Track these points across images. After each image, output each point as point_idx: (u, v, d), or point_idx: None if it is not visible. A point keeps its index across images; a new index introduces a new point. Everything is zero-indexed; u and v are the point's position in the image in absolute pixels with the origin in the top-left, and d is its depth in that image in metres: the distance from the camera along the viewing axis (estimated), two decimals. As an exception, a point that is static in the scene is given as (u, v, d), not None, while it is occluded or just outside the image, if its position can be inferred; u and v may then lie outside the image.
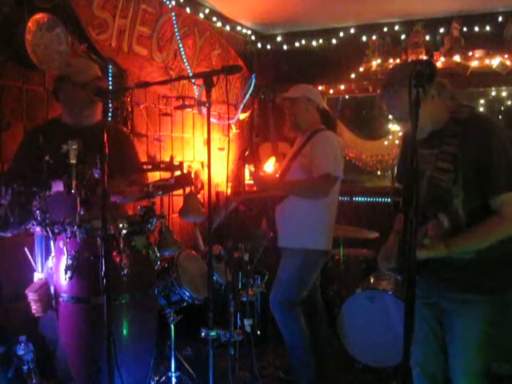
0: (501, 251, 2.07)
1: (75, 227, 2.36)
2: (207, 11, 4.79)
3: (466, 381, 2.16)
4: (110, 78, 3.71)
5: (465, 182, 2.05)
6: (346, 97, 5.70)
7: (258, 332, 3.36)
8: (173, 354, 3.05)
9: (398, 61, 5.17)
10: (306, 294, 3.44)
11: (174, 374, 3.05)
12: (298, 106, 3.42)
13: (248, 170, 5.30)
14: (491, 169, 2.03)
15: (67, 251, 2.39)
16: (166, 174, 2.78)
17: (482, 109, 5.13)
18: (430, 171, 2.14)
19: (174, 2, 4.23)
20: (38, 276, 2.71)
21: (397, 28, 5.26)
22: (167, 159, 3.03)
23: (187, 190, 2.95)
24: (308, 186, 3.33)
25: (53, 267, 2.55)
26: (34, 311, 2.59)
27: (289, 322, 3.41)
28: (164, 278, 2.96)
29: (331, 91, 5.54)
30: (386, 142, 5.44)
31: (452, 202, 2.05)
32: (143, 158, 3.96)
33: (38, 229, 2.45)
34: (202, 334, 2.25)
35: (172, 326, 3.04)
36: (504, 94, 5.11)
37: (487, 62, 4.84)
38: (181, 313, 3.09)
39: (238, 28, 5.41)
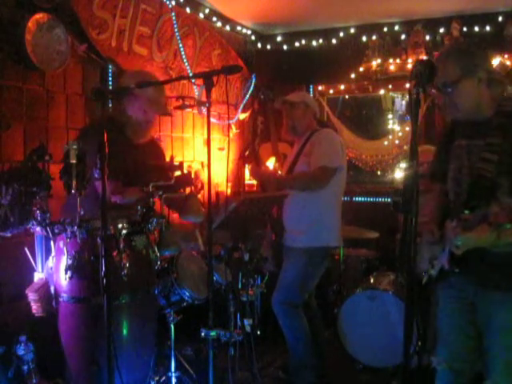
0: None
1: (75, 227, 2.36)
2: (207, 11, 4.79)
3: (507, 378, 2.15)
4: (110, 78, 3.71)
5: (510, 174, 2.03)
6: (346, 97, 5.70)
7: (258, 332, 3.35)
8: (173, 354, 3.05)
9: (397, 61, 5.17)
10: (307, 295, 3.44)
11: (173, 374, 3.05)
12: (297, 110, 3.50)
13: (247, 167, 5.30)
14: None
15: (67, 251, 2.39)
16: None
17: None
18: (471, 162, 2.13)
19: (173, 2, 4.23)
20: (38, 276, 2.71)
21: (397, 28, 5.25)
22: (167, 159, 3.03)
23: (187, 190, 2.95)
24: (305, 178, 3.39)
25: (53, 267, 2.55)
26: (34, 311, 2.60)
27: (291, 323, 3.41)
28: (164, 277, 2.95)
29: (331, 91, 5.54)
30: (385, 142, 5.43)
31: (496, 194, 2.01)
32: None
33: (38, 229, 2.45)
34: (202, 334, 2.25)
35: (172, 326, 3.04)
36: (504, 93, 5.10)
37: (487, 61, 4.83)
38: (181, 313, 3.09)
39: (238, 28, 5.41)
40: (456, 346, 2.30)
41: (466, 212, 2.03)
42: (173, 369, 3.05)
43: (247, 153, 5.44)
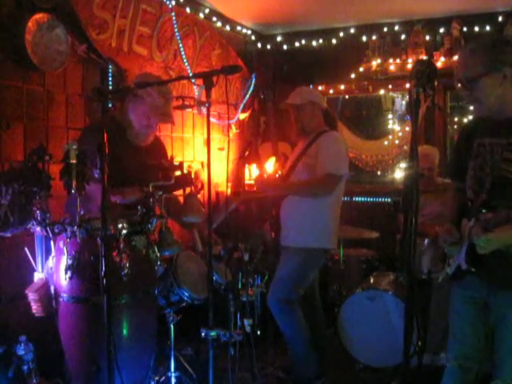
0: None
1: (75, 227, 2.36)
2: (207, 11, 4.79)
3: None
4: (110, 78, 3.71)
5: None
6: (346, 97, 5.70)
7: (258, 332, 3.36)
8: (172, 353, 3.05)
9: (397, 61, 5.18)
10: (303, 291, 3.45)
11: (173, 374, 3.05)
12: (304, 111, 3.44)
13: (248, 171, 5.31)
14: None
15: (67, 251, 2.39)
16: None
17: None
18: (493, 161, 2.11)
19: (173, 2, 4.23)
20: (38, 276, 2.71)
21: (397, 28, 5.26)
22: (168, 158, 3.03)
23: (187, 190, 2.95)
24: (310, 185, 3.36)
25: (53, 267, 2.55)
26: (34, 311, 2.59)
27: (287, 319, 3.42)
28: (164, 278, 2.95)
29: (331, 91, 5.54)
30: (385, 142, 5.44)
31: None
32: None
33: (38, 229, 2.45)
34: (202, 334, 2.25)
35: (172, 326, 3.04)
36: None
37: (487, 61, 4.83)
38: (181, 313, 3.09)
39: (238, 28, 5.41)
40: (467, 345, 2.30)
41: (484, 211, 2.01)
42: (172, 369, 3.05)
43: (247, 153, 5.44)
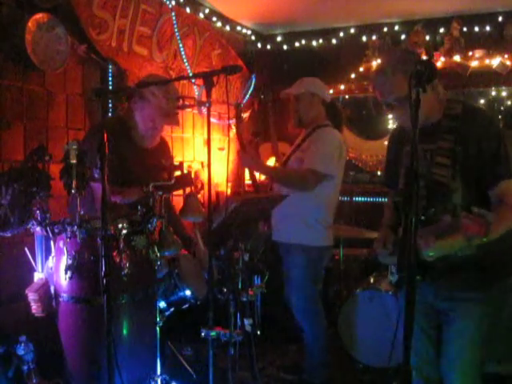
0: (498, 246, 2.02)
1: (75, 227, 2.36)
2: (207, 11, 4.80)
3: (463, 379, 2.15)
4: (110, 78, 3.71)
5: (464, 176, 2.04)
6: (346, 97, 5.70)
7: (258, 332, 3.36)
8: (158, 356, 2.98)
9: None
10: (320, 286, 3.44)
11: (160, 378, 2.95)
12: (302, 101, 3.40)
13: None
14: (490, 159, 2.03)
15: (67, 251, 2.39)
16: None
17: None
18: (427, 168, 2.12)
19: (173, 2, 4.23)
20: (38, 276, 2.71)
21: (397, 28, 5.26)
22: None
23: (187, 190, 2.95)
24: (292, 176, 3.33)
25: (53, 267, 2.55)
26: (34, 311, 2.59)
27: (313, 321, 3.42)
28: (165, 279, 2.92)
29: (331, 91, 5.51)
30: (386, 142, 5.41)
31: (451, 198, 2.03)
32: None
33: (38, 229, 2.45)
34: (202, 334, 2.25)
35: (157, 328, 2.98)
36: (504, 93, 5.11)
37: (487, 61, 4.84)
38: (180, 313, 3.08)
39: (238, 28, 5.41)
40: (421, 351, 2.27)
41: (423, 218, 2.02)
42: (158, 371, 2.96)
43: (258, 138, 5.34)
